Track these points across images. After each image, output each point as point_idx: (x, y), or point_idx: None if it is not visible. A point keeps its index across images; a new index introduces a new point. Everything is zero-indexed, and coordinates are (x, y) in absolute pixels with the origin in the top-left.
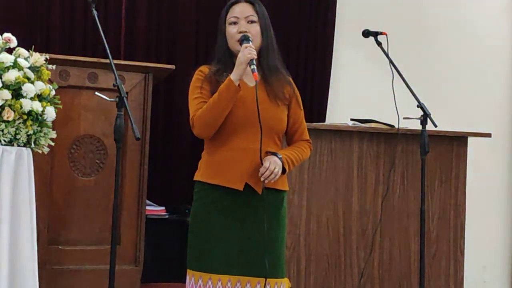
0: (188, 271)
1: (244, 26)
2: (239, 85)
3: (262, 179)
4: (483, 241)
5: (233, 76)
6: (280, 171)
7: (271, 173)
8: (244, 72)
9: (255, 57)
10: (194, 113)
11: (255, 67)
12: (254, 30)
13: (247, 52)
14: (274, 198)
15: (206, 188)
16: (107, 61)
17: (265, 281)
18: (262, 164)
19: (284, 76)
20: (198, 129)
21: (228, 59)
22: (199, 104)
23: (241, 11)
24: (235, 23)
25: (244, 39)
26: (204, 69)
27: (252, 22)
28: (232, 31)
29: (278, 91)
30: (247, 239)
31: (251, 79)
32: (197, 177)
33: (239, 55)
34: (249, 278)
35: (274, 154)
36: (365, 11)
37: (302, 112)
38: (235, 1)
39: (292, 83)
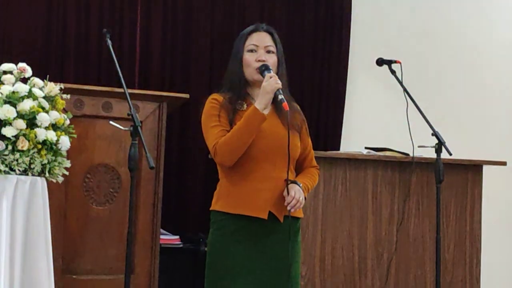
0: None
1: (263, 55)
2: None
3: (288, 208)
4: (498, 269)
5: (259, 105)
6: (304, 200)
7: (297, 201)
8: (269, 102)
9: (281, 86)
10: (216, 140)
11: (283, 97)
12: (272, 60)
13: (274, 82)
14: (293, 226)
15: (226, 218)
16: (122, 90)
17: None
18: (288, 193)
19: (294, 104)
20: (221, 156)
21: (242, 87)
22: (220, 132)
23: (261, 39)
24: (254, 50)
25: (265, 69)
26: (218, 97)
27: (270, 52)
28: (250, 59)
29: (292, 119)
30: (269, 269)
31: (267, 109)
32: (216, 207)
33: (264, 84)
34: None
35: (294, 182)
36: (379, 40)
37: (310, 139)
38: (254, 29)
39: (301, 111)
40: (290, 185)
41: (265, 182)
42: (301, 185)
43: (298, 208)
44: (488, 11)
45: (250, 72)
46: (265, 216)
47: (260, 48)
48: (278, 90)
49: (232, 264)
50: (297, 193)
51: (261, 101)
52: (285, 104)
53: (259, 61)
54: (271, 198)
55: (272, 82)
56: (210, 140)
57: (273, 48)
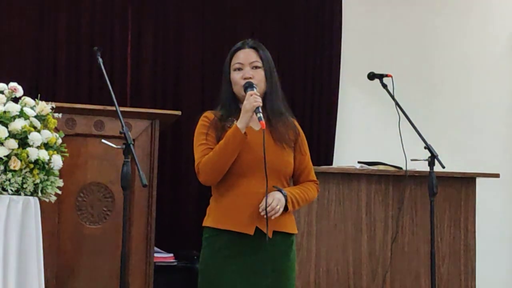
0: None
1: (248, 72)
2: (245, 132)
3: (262, 213)
4: (493, 283)
5: (240, 124)
6: (281, 209)
7: (272, 209)
8: (250, 120)
9: (261, 104)
10: (199, 160)
11: (261, 115)
12: (259, 76)
13: (253, 100)
14: (284, 242)
15: (216, 233)
16: (113, 108)
17: None
18: (266, 200)
19: (288, 119)
20: (203, 176)
21: (233, 105)
22: (204, 151)
23: (245, 57)
24: (239, 69)
25: (248, 86)
26: (209, 114)
27: (256, 67)
28: (236, 77)
29: (284, 135)
30: (257, 285)
31: (257, 123)
32: (206, 222)
33: (244, 102)
34: None
35: (280, 190)
36: (370, 53)
37: (308, 153)
38: (239, 47)
39: (297, 126)
40: (271, 192)
41: (251, 197)
42: (285, 194)
43: (273, 217)
44: (480, 25)
45: (238, 90)
46: (251, 231)
47: (245, 66)
48: (257, 108)
49: (222, 279)
50: (274, 201)
51: (241, 120)
52: (262, 123)
53: (245, 78)
54: (257, 213)
55: (251, 100)
56: (196, 159)
57: (259, 63)
